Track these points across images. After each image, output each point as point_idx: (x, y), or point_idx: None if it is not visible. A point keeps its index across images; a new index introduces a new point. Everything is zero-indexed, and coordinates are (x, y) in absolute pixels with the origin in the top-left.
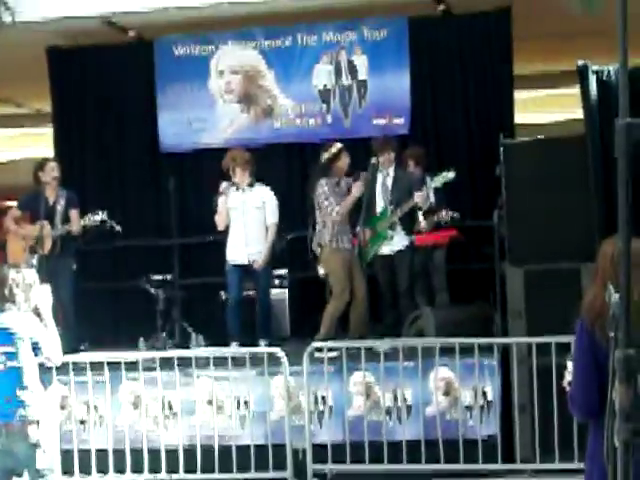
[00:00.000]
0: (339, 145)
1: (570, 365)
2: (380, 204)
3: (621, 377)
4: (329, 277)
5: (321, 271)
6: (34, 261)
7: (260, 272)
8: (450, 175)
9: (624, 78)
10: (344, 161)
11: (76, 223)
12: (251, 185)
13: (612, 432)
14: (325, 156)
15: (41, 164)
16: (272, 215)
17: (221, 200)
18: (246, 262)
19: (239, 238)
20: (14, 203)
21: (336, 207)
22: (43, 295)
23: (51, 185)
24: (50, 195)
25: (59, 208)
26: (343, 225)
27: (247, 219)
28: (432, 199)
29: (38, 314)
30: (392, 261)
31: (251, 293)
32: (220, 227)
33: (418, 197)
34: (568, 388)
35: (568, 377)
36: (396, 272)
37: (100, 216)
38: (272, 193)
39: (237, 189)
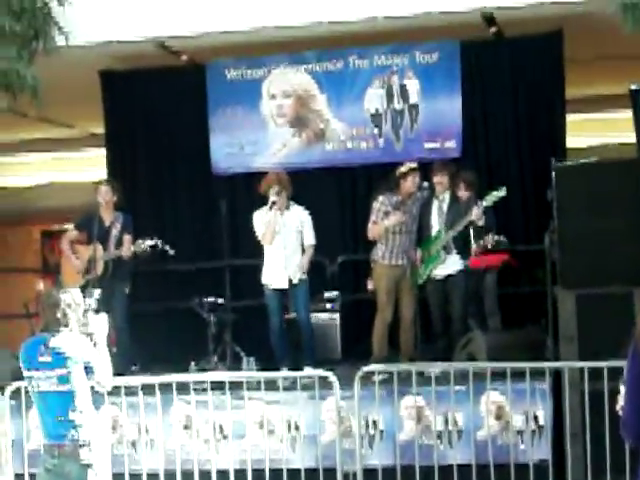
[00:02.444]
0: (412, 165)
1: (623, 389)
2: (436, 227)
3: None
4: (377, 293)
5: (370, 286)
6: (90, 284)
7: (299, 294)
8: (501, 193)
9: None
10: (411, 181)
11: (127, 248)
12: (287, 207)
13: None
14: (396, 173)
15: (95, 186)
16: (311, 237)
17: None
18: (286, 285)
19: (278, 261)
20: (70, 226)
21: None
22: (99, 323)
23: (105, 207)
24: (106, 217)
25: (114, 232)
26: (398, 242)
27: (287, 242)
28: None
29: (93, 342)
30: (445, 284)
31: (293, 315)
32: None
33: (474, 214)
34: (621, 412)
35: (621, 401)
36: (449, 295)
37: (152, 242)
38: (308, 213)
39: (271, 209)
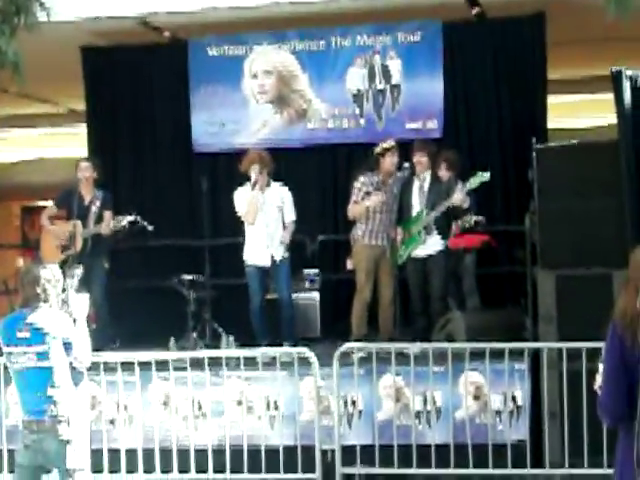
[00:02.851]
0: (390, 143)
1: (601, 369)
2: (416, 207)
3: None
4: (356, 272)
5: (349, 265)
6: (70, 259)
7: (281, 273)
8: (486, 175)
9: None
10: (389, 160)
11: (107, 225)
12: (268, 184)
13: None
14: (375, 151)
15: (75, 163)
16: (291, 213)
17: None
18: (269, 263)
19: (260, 239)
20: (50, 202)
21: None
22: (80, 302)
23: (85, 184)
24: (86, 194)
25: (94, 209)
26: (378, 222)
27: (269, 219)
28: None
29: (73, 320)
30: (425, 264)
31: (275, 295)
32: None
33: (457, 198)
34: (599, 392)
35: (599, 380)
36: (429, 275)
37: (131, 218)
38: (288, 189)
39: (254, 189)
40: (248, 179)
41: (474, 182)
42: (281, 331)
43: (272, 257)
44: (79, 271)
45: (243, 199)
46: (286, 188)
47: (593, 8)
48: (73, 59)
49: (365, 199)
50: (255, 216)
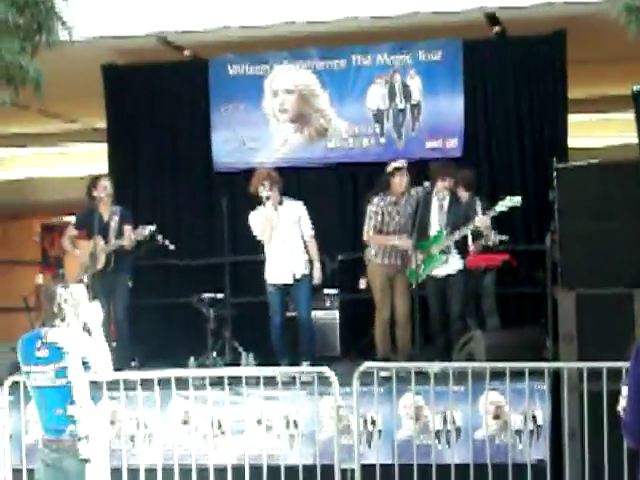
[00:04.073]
0: (399, 163)
1: (624, 390)
2: (435, 227)
3: None
4: (372, 291)
5: (362, 285)
6: (85, 277)
7: (302, 291)
8: (516, 200)
9: None
10: (399, 180)
11: (128, 237)
12: (281, 202)
13: None
14: (385, 171)
15: (94, 181)
16: (309, 228)
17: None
18: (290, 280)
19: (280, 256)
20: (70, 219)
21: (370, 228)
22: (92, 311)
23: (104, 201)
24: (104, 212)
25: (113, 225)
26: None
27: (286, 236)
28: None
29: (88, 330)
30: (445, 284)
31: (294, 313)
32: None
33: (479, 221)
34: (622, 413)
35: (622, 403)
36: (448, 295)
37: (150, 228)
38: (303, 205)
39: (266, 207)
40: (260, 201)
41: (504, 206)
42: (300, 349)
43: (293, 274)
44: (85, 278)
45: (258, 220)
46: (300, 203)
47: (614, 27)
48: (94, 77)
49: (390, 234)
50: (271, 234)
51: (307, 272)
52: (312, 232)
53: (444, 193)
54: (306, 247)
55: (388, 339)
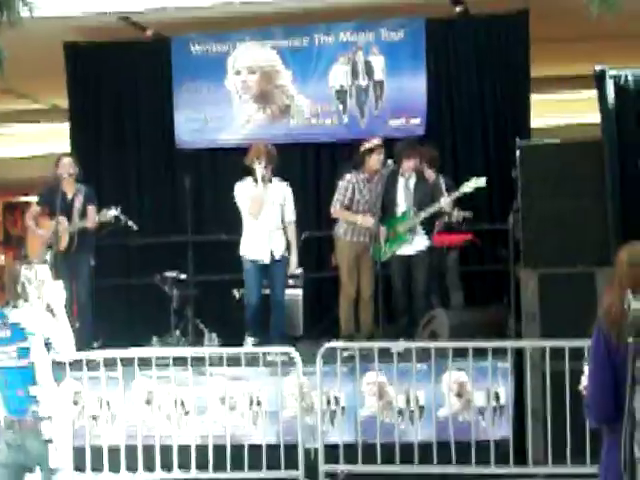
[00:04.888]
0: (375, 141)
1: (586, 369)
2: (402, 206)
3: None
4: (339, 269)
5: (334, 261)
6: (48, 257)
7: (278, 270)
8: (481, 181)
9: None
10: (376, 158)
11: (92, 219)
12: (270, 180)
13: (632, 443)
14: (361, 150)
15: (57, 159)
16: (292, 212)
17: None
18: (267, 260)
19: (261, 235)
20: (32, 198)
21: (337, 202)
22: (55, 291)
23: (67, 180)
24: (68, 190)
25: (77, 204)
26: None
27: (270, 215)
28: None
29: (51, 310)
30: (409, 262)
31: (266, 292)
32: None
33: (445, 202)
34: (584, 392)
35: (584, 381)
36: (413, 273)
37: (114, 212)
38: (288, 186)
39: (257, 183)
40: (248, 173)
41: (469, 187)
42: (270, 330)
43: (272, 254)
44: (48, 257)
45: (245, 193)
46: (286, 184)
47: (577, 5)
48: (56, 56)
49: (355, 212)
50: (260, 211)
51: (286, 254)
52: (294, 218)
53: (410, 173)
54: (284, 230)
55: (352, 317)
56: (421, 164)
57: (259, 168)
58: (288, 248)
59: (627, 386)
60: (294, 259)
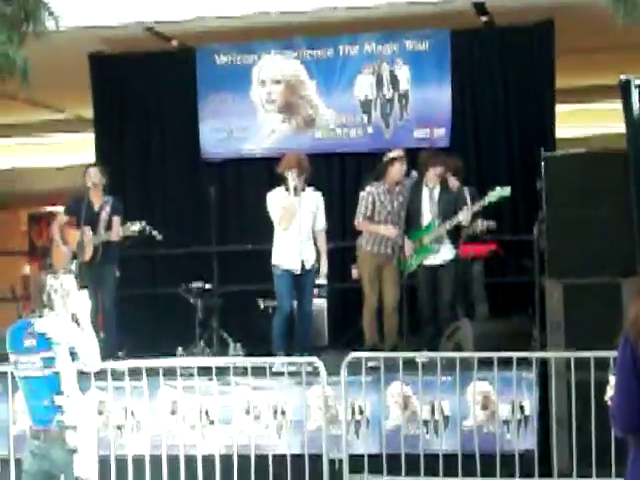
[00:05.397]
0: (398, 152)
1: (612, 380)
2: (427, 216)
3: None
4: (361, 280)
5: (354, 274)
6: (73, 267)
7: (308, 281)
8: (506, 190)
9: None
10: (397, 169)
11: (116, 231)
12: (303, 189)
13: None
14: (383, 160)
15: (85, 170)
16: (323, 220)
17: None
18: (299, 269)
19: (293, 244)
20: (58, 208)
21: (360, 214)
22: (80, 300)
23: (95, 191)
24: (95, 201)
25: (104, 215)
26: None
27: (302, 224)
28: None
29: (76, 320)
30: (436, 273)
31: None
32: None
33: (462, 216)
34: (610, 403)
35: (610, 392)
36: (439, 284)
37: (138, 226)
38: (321, 195)
39: (289, 192)
40: (277, 182)
41: (493, 196)
42: (296, 341)
43: (302, 264)
44: (73, 267)
45: (277, 203)
46: (319, 193)
47: (602, 15)
48: (81, 67)
49: (381, 223)
50: (291, 221)
51: (316, 264)
52: (325, 225)
53: (434, 182)
54: (315, 238)
55: (376, 328)
56: (446, 174)
57: (292, 178)
58: (317, 257)
59: None
60: (324, 266)
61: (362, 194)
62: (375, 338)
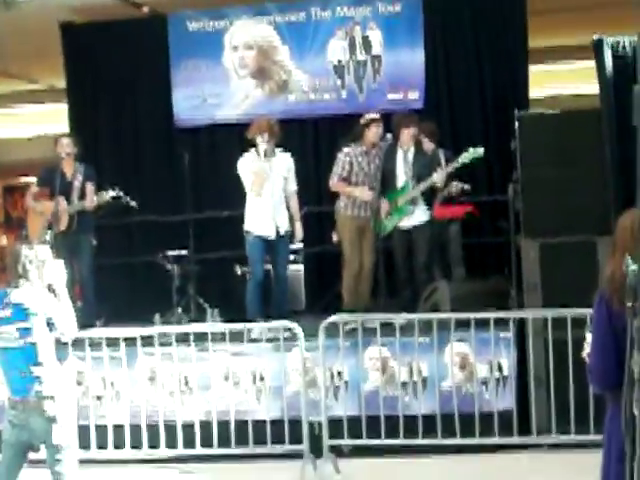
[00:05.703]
0: (374, 115)
1: (589, 337)
2: (401, 178)
3: None
4: (341, 244)
5: (334, 238)
6: (48, 237)
7: (282, 245)
8: (479, 151)
9: None
10: (373, 132)
11: (90, 198)
12: (274, 153)
13: (631, 401)
14: (360, 122)
15: (55, 140)
16: (294, 182)
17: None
18: (273, 234)
19: (266, 209)
20: (31, 179)
21: (335, 175)
22: (56, 270)
23: (67, 160)
24: (67, 170)
25: (76, 184)
26: None
27: (274, 189)
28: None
29: (52, 290)
30: (411, 235)
31: (267, 267)
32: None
33: (437, 177)
34: (587, 360)
35: (587, 349)
36: (414, 246)
37: (112, 193)
38: (292, 159)
39: (260, 157)
40: (252, 146)
41: (467, 157)
42: (273, 306)
43: (277, 229)
44: (48, 237)
45: (248, 168)
46: (289, 154)
47: None
48: (53, 37)
49: (353, 185)
50: (262, 187)
51: (289, 229)
52: (296, 187)
53: (409, 144)
54: (287, 202)
55: (356, 291)
56: (420, 136)
57: (262, 142)
58: (291, 220)
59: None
60: (299, 230)
61: (339, 155)
62: (354, 301)
